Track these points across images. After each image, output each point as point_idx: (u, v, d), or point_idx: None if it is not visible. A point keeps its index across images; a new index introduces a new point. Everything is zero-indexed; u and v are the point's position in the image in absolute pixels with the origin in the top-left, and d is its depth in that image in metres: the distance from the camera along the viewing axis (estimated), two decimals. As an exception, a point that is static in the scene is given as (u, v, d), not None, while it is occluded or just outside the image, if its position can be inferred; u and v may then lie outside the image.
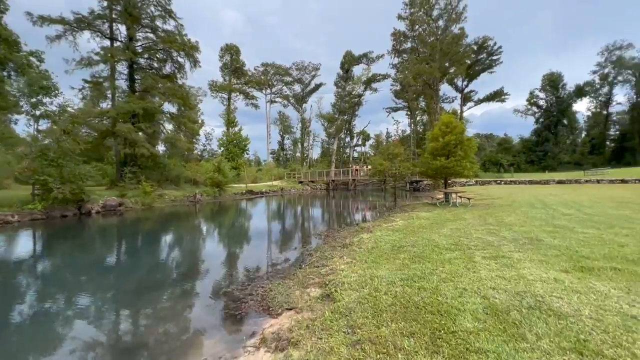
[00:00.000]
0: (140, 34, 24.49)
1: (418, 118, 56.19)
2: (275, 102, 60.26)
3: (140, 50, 24.54)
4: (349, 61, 50.49)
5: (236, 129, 43.58)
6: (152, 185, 20.69)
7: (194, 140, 35.05)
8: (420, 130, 57.47)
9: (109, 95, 23.34)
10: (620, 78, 57.48)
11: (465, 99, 52.73)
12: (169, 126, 25.83)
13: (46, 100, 23.79)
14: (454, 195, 15.23)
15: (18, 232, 11.64)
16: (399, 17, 41.33)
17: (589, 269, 4.22)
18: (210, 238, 11.63)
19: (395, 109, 58.17)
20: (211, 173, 27.46)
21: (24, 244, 10.21)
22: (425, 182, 35.73)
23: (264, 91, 57.04)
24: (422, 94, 45.80)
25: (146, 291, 5.59)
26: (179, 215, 17.29)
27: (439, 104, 45.58)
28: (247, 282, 5.81)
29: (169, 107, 26.75)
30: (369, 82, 52.95)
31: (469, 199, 14.69)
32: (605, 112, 61.11)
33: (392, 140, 21.67)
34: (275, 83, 58.42)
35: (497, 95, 50.65)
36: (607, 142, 60.91)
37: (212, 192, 26.16)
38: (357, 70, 53.11)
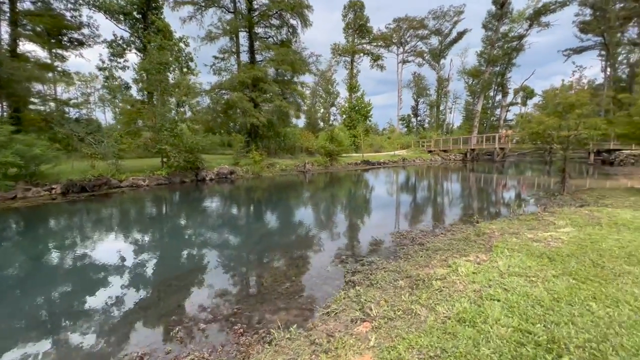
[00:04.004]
0: (255, 1, 24.39)
1: (620, 58, 38.09)
2: (407, 61, 53.14)
3: (256, 20, 24.59)
4: (507, -10, 37.67)
5: (358, 94, 40.65)
6: (261, 154, 20.90)
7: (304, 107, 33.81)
8: (624, 75, 38.80)
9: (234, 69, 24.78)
10: None
11: None
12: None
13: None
14: None
15: (149, 194, 13.20)
16: None
17: None
18: (285, 219, 9.71)
19: (580, 50, 40.65)
20: (323, 142, 26.16)
21: (162, 202, 11.14)
22: (625, 151, 23.59)
23: (395, 50, 50.90)
24: (637, 15, 29.68)
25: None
26: (281, 186, 16.60)
27: (670, 27, 28.31)
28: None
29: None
30: (536, 16, 38.46)
31: None
32: None
33: (571, 83, 13.45)
34: (408, 40, 51.02)
35: None
36: None
37: (323, 161, 24.87)
38: (518, 3, 39.26)
